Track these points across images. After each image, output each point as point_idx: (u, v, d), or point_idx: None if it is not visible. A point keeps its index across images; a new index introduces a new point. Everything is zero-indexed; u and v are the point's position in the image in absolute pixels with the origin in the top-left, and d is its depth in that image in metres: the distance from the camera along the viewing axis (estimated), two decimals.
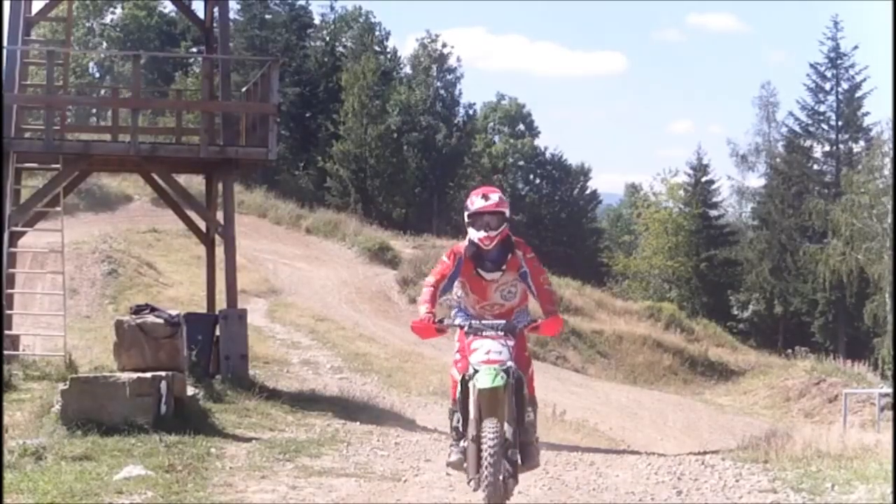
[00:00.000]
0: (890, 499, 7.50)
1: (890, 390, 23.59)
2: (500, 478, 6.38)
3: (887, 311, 40.44)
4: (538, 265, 6.85)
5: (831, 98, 51.76)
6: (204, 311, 16.50)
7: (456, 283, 6.84)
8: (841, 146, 51.66)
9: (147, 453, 8.95)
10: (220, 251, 16.26)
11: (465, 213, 6.78)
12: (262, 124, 15.63)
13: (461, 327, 6.74)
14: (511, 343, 6.60)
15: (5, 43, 15.71)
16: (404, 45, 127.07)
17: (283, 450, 9.78)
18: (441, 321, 6.72)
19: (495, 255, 6.76)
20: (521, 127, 63.42)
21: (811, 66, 52.16)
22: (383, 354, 24.19)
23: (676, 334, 36.31)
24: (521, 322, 6.82)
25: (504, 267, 6.76)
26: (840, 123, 51.36)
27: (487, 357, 6.48)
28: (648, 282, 52.09)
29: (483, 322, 6.72)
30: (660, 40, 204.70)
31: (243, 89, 19.44)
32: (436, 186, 52.06)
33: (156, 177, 16.68)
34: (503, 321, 6.72)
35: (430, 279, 6.82)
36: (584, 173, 61.63)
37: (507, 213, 6.76)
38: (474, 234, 6.70)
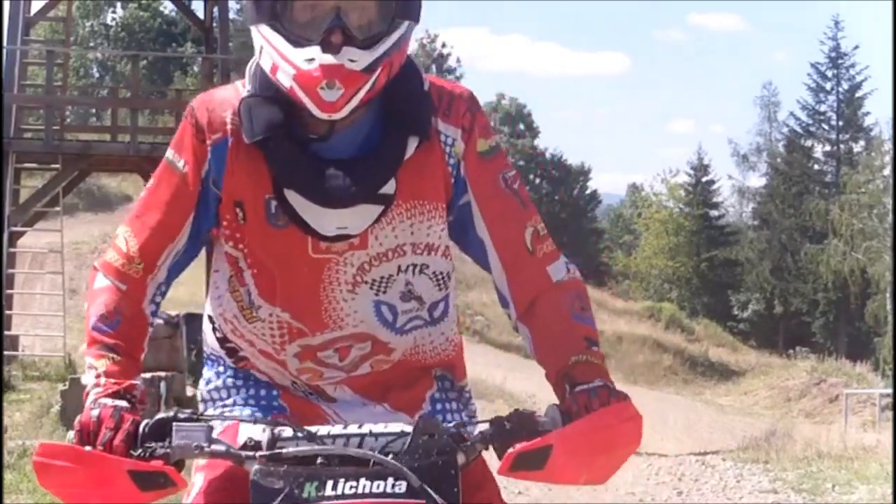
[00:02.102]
0: (890, 499, 7.49)
1: (890, 390, 23.57)
2: None
3: (888, 310, 40.43)
4: (513, 183, 1.99)
5: (832, 98, 51.74)
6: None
7: (215, 259, 2.07)
8: (841, 146, 51.64)
9: None
10: None
11: None
12: None
13: (240, 457, 1.69)
14: None
15: (5, 43, 15.72)
16: None
17: None
18: (150, 437, 1.71)
19: (364, 142, 1.91)
20: (522, 127, 63.37)
21: (812, 65, 52.20)
22: None
23: (677, 334, 36.29)
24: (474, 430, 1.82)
25: (392, 191, 1.90)
26: (841, 123, 51.35)
27: None
28: (649, 282, 52.04)
29: (328, 433, 1.71)
30: (661, 40, 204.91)
31: None
32: None
33: None
34: (399, 427, 1.72)
35: (113, 257, 1.99)
36: (584, 173, 61.60)
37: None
38: (287, 62, 1.82)
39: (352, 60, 1.77)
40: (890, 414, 20.61)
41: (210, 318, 2.12)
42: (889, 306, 40.31)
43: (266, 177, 1.87)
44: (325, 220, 1.86)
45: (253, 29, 1.89)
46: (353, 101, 1.79)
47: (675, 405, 27.68)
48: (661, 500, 7.94)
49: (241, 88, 1.95)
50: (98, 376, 1.81)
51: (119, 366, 1.84)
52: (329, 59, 1.76)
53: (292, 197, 1.86)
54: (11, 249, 15.09)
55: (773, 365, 34.44)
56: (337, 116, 1.80)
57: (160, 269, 1.97)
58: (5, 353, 13.44)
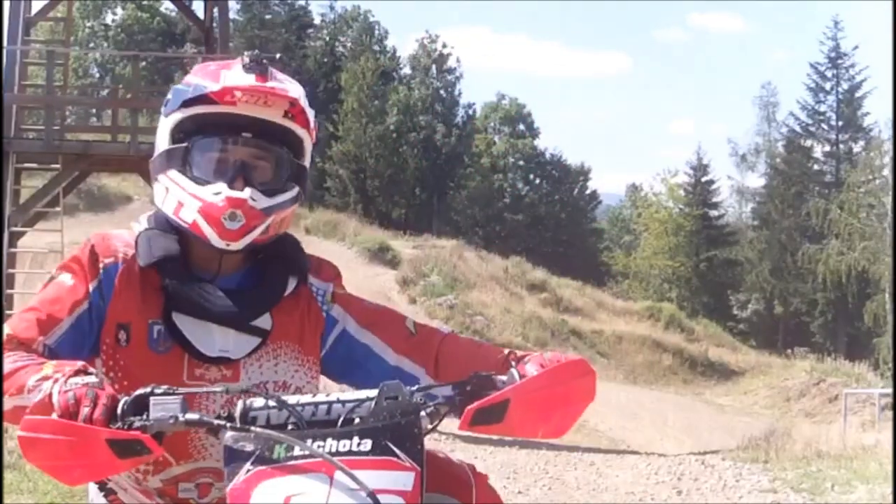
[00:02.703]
0: (890, 499, 7.50)
1: (890, 390, 23.58)
2: None
3: (887, 310, 40.43)
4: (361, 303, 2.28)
5: (831, 98, 51.78)
6: None
7: (97, 365, 2.09)
8: (841, 146, 51.67)
9: None
10: None
11: (169, 112, 2.15)
12: None
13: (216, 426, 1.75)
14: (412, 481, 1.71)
15: (5, 43, 15.72)
16: (405, 45, 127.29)
17: None
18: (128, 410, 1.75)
19: (242, 281, 2.16)
20: (522, 127, 63.36)
21: (811, 65, 52.28)
22: None
23: (676, 334, 36.28)
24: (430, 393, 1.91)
25: (269, 327, 2.13)
26: (840, 123, 51.37)
27: None
28: (648, 282, 52.04)
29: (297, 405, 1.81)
30: (662, 40, 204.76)
31: None
32: (436, 186, 52.04)
33: None
34: (364, 393, 1.84)
35: (9, 329, 2.04)
36: (584, 173, 61.59)
37: (309, 147, 2.19)
38: (194, 198, 2.06)
39: (253, 199, 2.02)
40: (889, 414, 20.61)
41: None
42: (889, 306, 40.30)
43: (154, 302, 2.07)
44: (209, 341, 2.06)
45: (160, 177, 2.10)
46: (249, 236, 2.03)
47: (674, 405, 27.69)
48: (661, 499, 7.95)
49: (136, 228, 2.16)
50: (49, 378, 1.80)
51: (62, 360, 1.88)
52: (235, 193, 2.01)
53: (179, 319, 2.05)
54: (12, 249, 15.09)
55: (772, 365, 34.45)
56: (234, 247, 2.03)
57: (37, 349, 2.01)
58: None
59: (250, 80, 2.03)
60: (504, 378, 1.84)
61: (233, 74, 2.05)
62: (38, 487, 7.57)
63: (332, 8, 59.28)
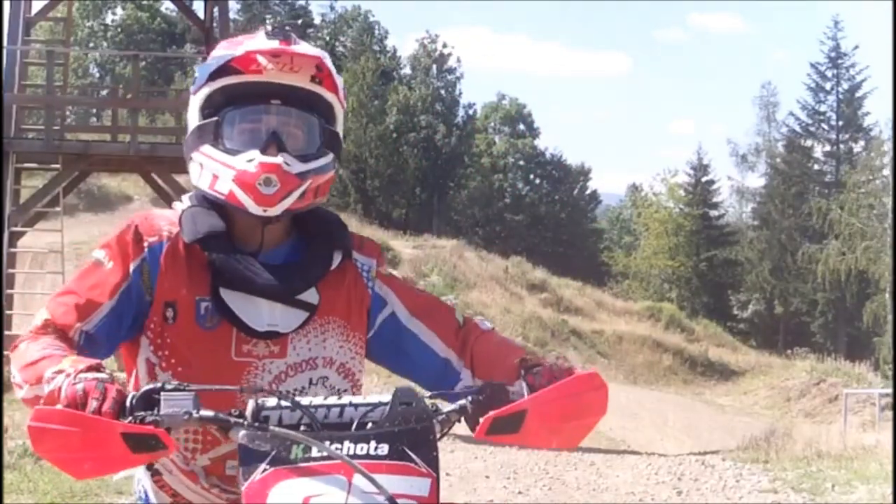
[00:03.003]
0: (890, 499, 7.50)
1: (890, 390, 23.57)
2: None
3: (887, 310, 40.42)
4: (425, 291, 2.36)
5: (832, 98, 51.77)
6: None
7: (142, 344, 2.08)
8: (841, 146, 51.66)
9: None
10: None
11: (197, 89, 2.11)
12: None
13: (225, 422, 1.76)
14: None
15: (5, 43, 15.72)
16: (405, 45, 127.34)
17: None
18: (140, 405, 1.75)
19: (289, 255, 2.15)
20: (522, 127, 63.38)
21: (812, 65, 52.28)
22: None
23: (676, 334, 36.28)
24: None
25: (316, 301, 2.12)
26: (840, 123, 51.37)
27: None
28: (648, 282, 52.04)
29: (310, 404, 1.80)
30: (662, 40, 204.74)
31: None
32: (436, 186, 52.05)
33: (156, 177, 16.67)
34: (377, 398, 1.82)
35: (47, 314, 2.03)
36: (584, 173, 61.60)
37: (340, 113, 2.16)
38: (227, 168, 2.04)
39: (287, 164, 2.00)
40: (890, 414, 20.61)
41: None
42: (889, 306, 40.29)
43: (201, 278, 2.05)
44: (258, 315, 2.05)
45: (193, 155, 2.09)
46: (286, 201, 2.01)
47: (675, 405, 27.70)
48: (661, 499, 7.94)
49: (178, 206, 2.15)
50: (62, 372, 1.79)
51: (81, 356, 1.86)
52: (268, 158, 2.00)
53: (227, 294, 2.04)
54: (12, 249, 15.09)
55: (772, 365, 34.45)
56: (272, 212, 2.01)
57: (73, 337, 1.99)
58: (6, 352, 13.45)
59: (273, 44, 2.01)
60: (516, 388, 1.86)
61: (255, 41, 2.04)
62: (38, 487, 7.57)
63: (332, 8, 59.39)
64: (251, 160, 2.00)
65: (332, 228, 2.15)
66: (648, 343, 33.97)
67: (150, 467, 2.16)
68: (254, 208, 2.00)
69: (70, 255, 24.08)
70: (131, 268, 2.05)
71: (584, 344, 32.56)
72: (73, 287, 2.06)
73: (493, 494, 8.75)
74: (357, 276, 2.17)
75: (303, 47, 2.04)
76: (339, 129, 2.14)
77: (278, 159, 2.00)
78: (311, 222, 2.13)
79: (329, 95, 2.09)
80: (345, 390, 2.12)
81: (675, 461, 10.13)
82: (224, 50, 2.08)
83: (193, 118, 2.09)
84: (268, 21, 55.13)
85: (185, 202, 2.15)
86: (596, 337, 33.49)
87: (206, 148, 2.05)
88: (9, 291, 15.24)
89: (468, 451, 10.80)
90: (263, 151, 2.00)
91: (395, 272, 2.27)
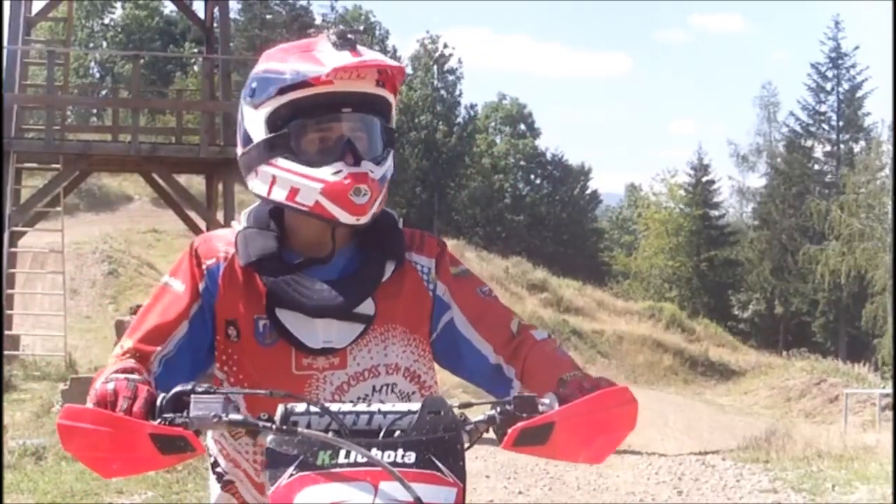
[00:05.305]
0: (890, 499, 7.49)
1: (890, 390, 23.57)
2: None
3: (887, 311, 40.39)
4: (490, 294, 2.26)
5: (832, 98, 51.76)
6: None
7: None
8: (841, 146, 51.65)
9: None
10: None
11: (261, 102, 2.07)
12: None
13: (251, 427, 1.77)
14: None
15: (6, 43, 15.73)
16: (406, 46, 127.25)
17: None
18: (171, 408, 1.78)
19: (346, 266, 2.15)
20: (522, 127, 63.39)
21: (812, 66, 52.25)
22: None
23: (677, 334, 36.28)
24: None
25: (372, 312, 2.12)
26: (841, 123, 51.36)
27: None
28: (649, 282, 52.03)
29: (339, 411, 1.78)
30: (662, 41, 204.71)
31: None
32: (436, 186, 52.05)
33: (156, 177, 16.69)
34: (406, 407, 1.80)
35: (127, 344, 2.07)
36: (584, 173, 61.60)
37: (395, 101, 2.15)
38: (313, 181, 2.04)
39: (371, 171, 2.03)
40: (890, 414, 20.61)
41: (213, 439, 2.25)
42: (888, 307, 40.27)
43: (257, 298, 2.09)
44: (313, 333, 2.07)
45: (261, 168, 2.07)
46: (374, 208, 2.05)
47: (675, 405, 27.69)
48: (661, 499, 7.94)
49: (235, 226, 2.20)
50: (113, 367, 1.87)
51: (133, 362, 1.94)
52: (356, 168, 2.01)
53: (283, 314, 2.07)
54: (12, 249, 15.10)
55: (773, 365, 34.44)
56: (364, 220, 2.04)
57: (153, 364, 2.03)
58: (6, 352, 13.45)
59: (347, 57, 2.00)
60: (546, 401, 1.84)
61: (329, 56, 2.01)
62: (38, 487, 7.57)
63: (333, 8, 59.26)
64: (338, 171, 2.01)
65: (384, 235, 2.15)
66: (649, 343, 33.96)
67: (220, 478, 2.20)
68: (347, 218, 2.02)
69: (71, 255, 24.08)
70: (200, 288, 2.11)
71: (584, 344, 32.56)
72: (145, 314, 2.11)
73: (494, 494, 8.76)
74: (417, 280, 2.18)
75: (369, 55, 2.04)
76: (394, 123, 2.16)
77: (364, 168, 2.02)
78: (370, 226, 2.10)
79: (390, 96, 2.10)
80: (413, 394, 2.14)
81: (676, 461, 10.13)
82: (296, 63, 2.03)
83: (258, 131, 2.07)
84: (268, 16, 55.15)
85: (242, 221, 2.19)
86: (596, 337, 33.48)
87: (281, 161, 2.04)
88: (9, 291, 15.25)
89: (468, 452, 10.79)
90: (346, 158, 2.02)
91: (460, 268, 2.25)
